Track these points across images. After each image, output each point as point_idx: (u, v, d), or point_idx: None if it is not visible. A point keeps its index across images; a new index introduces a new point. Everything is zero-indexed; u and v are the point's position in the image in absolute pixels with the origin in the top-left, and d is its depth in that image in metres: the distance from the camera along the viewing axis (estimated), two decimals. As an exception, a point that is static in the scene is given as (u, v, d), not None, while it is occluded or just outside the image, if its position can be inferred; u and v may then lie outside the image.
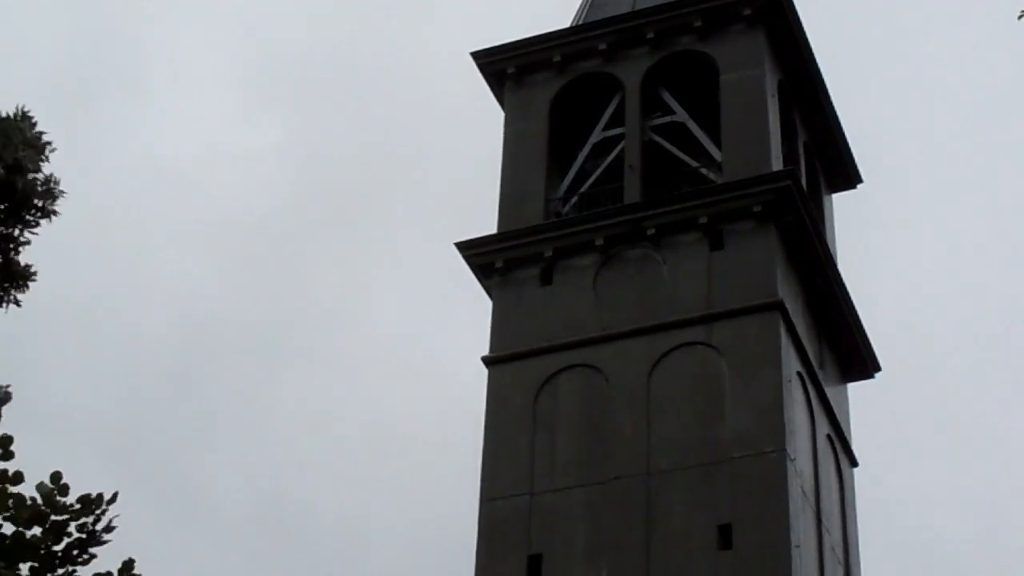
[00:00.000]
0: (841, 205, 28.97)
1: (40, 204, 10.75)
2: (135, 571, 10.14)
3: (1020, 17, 11.22)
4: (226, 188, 59.39)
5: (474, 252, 25.44)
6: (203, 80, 62.90)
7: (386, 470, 54.39)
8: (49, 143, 10.89)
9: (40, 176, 10.70)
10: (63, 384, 53.35)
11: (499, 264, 25.16)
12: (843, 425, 25.69)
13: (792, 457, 22.15)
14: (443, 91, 58.20)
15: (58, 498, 9.99)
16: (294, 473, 53.71)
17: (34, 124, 10.73)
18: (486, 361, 24.41)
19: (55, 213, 10.84)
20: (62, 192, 10.78)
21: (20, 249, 10.78)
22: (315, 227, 58.93)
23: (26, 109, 10.73)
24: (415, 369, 56.07)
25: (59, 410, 52.01)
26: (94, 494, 10.07)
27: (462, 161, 53.35)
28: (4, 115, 10.53)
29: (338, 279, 58.07)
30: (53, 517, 9.94)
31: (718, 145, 25.50)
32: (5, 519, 9.88)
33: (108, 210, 55.90)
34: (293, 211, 59.21)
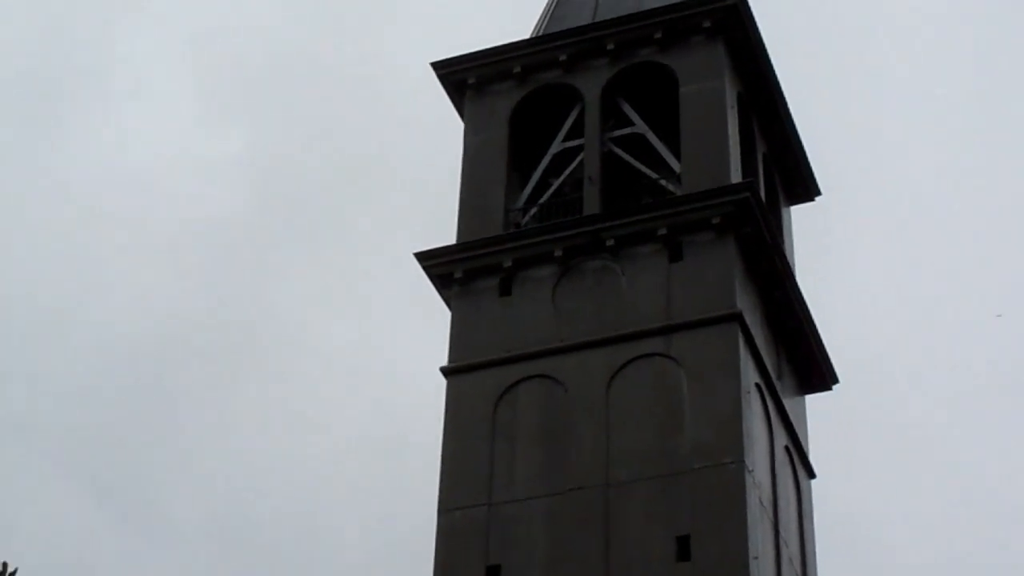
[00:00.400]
0: (799, 217, 29.08)
1: None
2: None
3: None
4: (188, 195, 59.22)
5: (433, 262, 25.40)
6: (165, 87, 62.77)
7: (345, 480, 54.27)
8: None
9: None
10: (23, 393, 53.08)
11: (458, 274, 25.13)
12: (801, 437, 25.74)
13: (751, 468, 22.18)
14: (404, 100, 58.20)
15: None
16: (255, 484, 53.54)
17: None
18: (445, 371, 24.36)
19: None
20: None
21: None
22: (276, 235, 58.87)
23: None
24: (374, 379, 56.01)
25: (18, 419, 51.76)
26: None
27: (424, 171, 53.32)
28: None
29: (299, 288, 57.98)
30: None
31: (678, 157, 25.54)
32: None
33: (70, 217, 55.68)
34: (254, 219, 59.15)
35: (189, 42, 63.69)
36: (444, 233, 25.96)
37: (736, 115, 26.05)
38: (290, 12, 62.80)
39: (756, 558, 21.54)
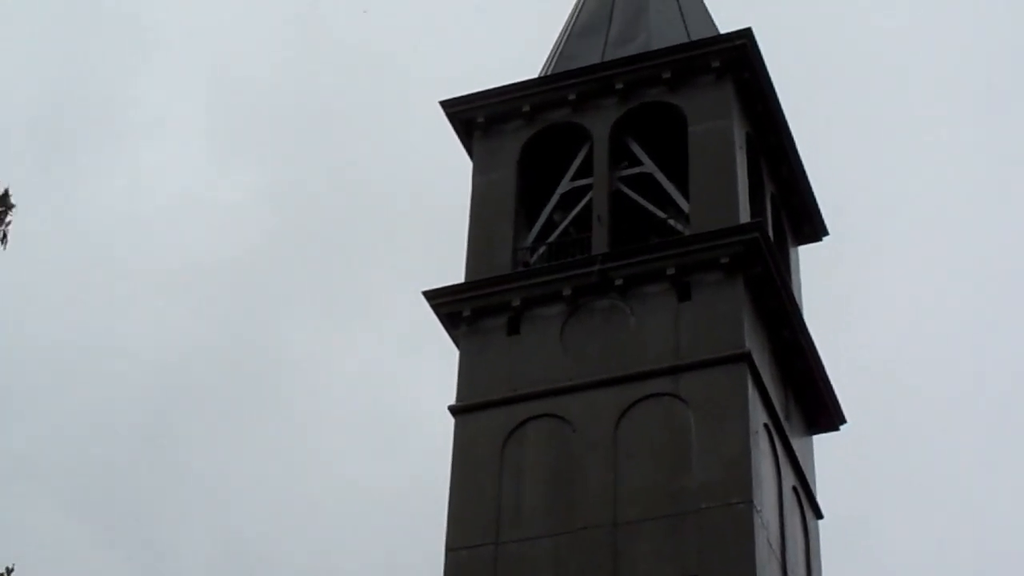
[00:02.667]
0: (807, 257, 29.09)
1: None
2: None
3: None
4: (201, 235, 59.39)
5: (441, 301, 25.40)
6: (179, 127, 63.00)
7: (354, 520, 54.23)
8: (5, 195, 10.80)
9: None
10: (32, 432, 53.09)
11: (466, 313, 25.12)
12: (808, 477, 25.69)
13: (759, 509, 22.14)
14: (416, 139, 58.35)
15: None
16: (263, 523, 53.48)
17: None
18: (453, 410, 24.34)
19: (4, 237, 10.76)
20: (12, 205, 10.70)
21: None
22: (289, 275, 59.02)
23: None
24: (385, 418, 55.98)
25: (28, 459, 51.76)
26: None
27: (437, 210, 53.49)
28: None
29: (311, 328, 58.11)
30: None
31: (686, 196, 25.56)
32: None
33: (82, 257, 55.83)
34: (266, 259, 59.27)
35: (203, 83, 64.02)
36: (453, 271, 26.00)
37: (744, 155, 26.08)
38: (303, 53, 63.05)
39: (764, 599, 21.47)
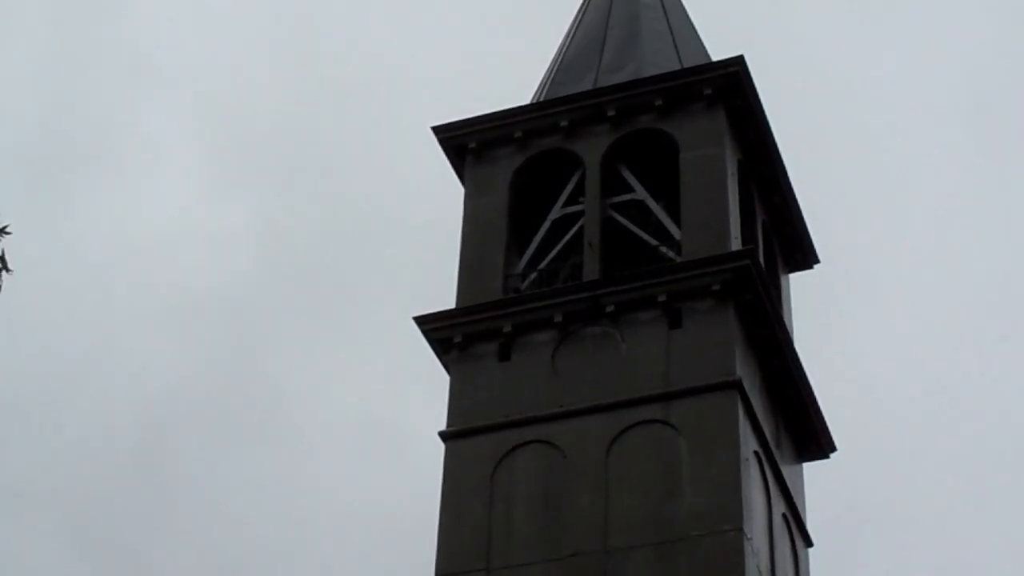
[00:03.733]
0: (798, 285, 29.10)
1: None
2: None
3: None
4: (193, 264, 59.44)
5: (432, 327, 25.38)
6: (173, 156, 63.06)
7: (345, 548, 54.10)
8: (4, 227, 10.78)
9: None
10: (22, 460, 52.96)
11: (457, 339, 25.09)
12: (799, 505, 25.67)
13: (749, 536, 22.10)
14: (411, 166, 58.37)
15: None
16: (255, 553, 53.34)
17: None
18: (443, 436, 24.31)
19: None
20: (9, 271, 10.69)
21: None
22: (281, 304, 59.03)
23: None
24: (376, 443, 55.92)
25: (17, 487, 51.62)
26: None
27: (432, 238, 53.55)
28: None
29: (303, 357, 58.06)
30: None
31: (678, 223, 25.58)
32: None
33: (75, 284, 55.82)
34: (259, 288, 59.24)
35: (196, 111, 64.11)
36: (444, 297, 25.98)
37: (736, 182, 26.11)
38: (295, 81, 63.13)
39: (754, 627, 21.44)
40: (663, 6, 29.70)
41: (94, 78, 62.41)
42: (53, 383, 54.68)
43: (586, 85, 27.76)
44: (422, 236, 54.91)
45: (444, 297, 25.97)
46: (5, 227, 10.63)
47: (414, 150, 54.31)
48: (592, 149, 26.67)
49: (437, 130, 27.54)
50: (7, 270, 10.68)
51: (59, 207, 59.74)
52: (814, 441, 26.64)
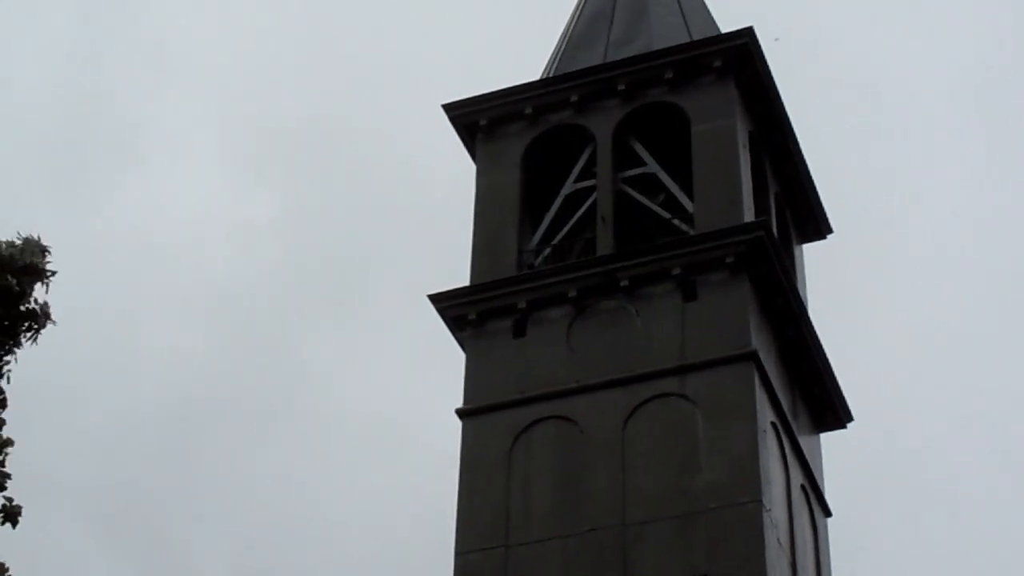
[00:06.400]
0: (812, 255, 29.06)
1: (30, 327, 10.71)
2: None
3: None
4: (217, 260, 59.61)
5: (447, 304, 25.39)
6: (194, 152, 63.22)
7: (366, 532, 54.27)
8: (50, 271, 10.78)
9: (33, 304, 10.62)
10: (51, 454, 53.11)
11: (472, 316, 25.11)
12: (816, 475, 25.67)
13: (768, 508, 22.11)
14: (428, 152, 58.41)
15: None
16: (279, 544, 53.51)
17: (44, 250, 10.60)
18: (460, 413, 24.33)
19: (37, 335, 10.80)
20: (52, 321, 10.72)
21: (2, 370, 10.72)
22: (304, 298, 59.24)
23: (38, 238, 10.60)
24: (394, 424, 56.02)
25: (46, 480, 51.76)
26: None
27: (451, 224, 53.63)
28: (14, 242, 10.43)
29: (327, 351, 58.26)
30: None
31: (690, 196, 25.55)
32: None
33: (101, 281, 55.95)
34: (282, 283, 59.38)
35: (217, 107, 64.31)
36: (459, 275, 25.98)
37: (748, 154, 26.06)
38: (315, 73, 63.21)
39: (774, 597, 21.45)
40: (671, -21, 29.61)
41: (118, 74, 62.61)
42: (82, 376, 54.93)
43: (595, 60, 27.71)
44: (436, 213, 55.13)
45: (458, 274, 25.99)
46: (50, 270, 10.56)
47: (434, 133, 54.38)
48: (603, 123, 26.64)
49: (448, 108, 27.51)
50: (51, 322, 10.70)
51: (84, 202, 60.02)
52: (831, 411, 26.64)
